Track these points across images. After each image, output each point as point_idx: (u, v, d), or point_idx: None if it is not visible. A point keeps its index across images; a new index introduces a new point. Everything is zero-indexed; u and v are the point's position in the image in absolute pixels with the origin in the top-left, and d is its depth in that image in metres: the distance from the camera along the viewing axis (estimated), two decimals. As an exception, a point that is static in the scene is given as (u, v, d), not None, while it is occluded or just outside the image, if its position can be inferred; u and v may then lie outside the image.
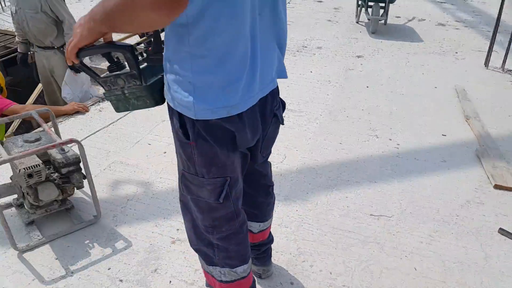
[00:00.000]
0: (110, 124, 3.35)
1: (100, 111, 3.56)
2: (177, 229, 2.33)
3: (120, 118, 3.44)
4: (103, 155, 2.97)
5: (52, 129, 2.32)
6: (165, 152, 3.03)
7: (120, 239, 2.26)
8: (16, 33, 3.69)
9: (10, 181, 2.31)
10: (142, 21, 0.95)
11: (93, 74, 1.23)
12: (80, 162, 2.16)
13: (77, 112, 3.49)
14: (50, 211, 2.29)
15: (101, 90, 4.25)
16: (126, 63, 1.22)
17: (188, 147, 1.26)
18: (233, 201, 1.39)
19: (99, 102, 3.69)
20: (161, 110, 3.59)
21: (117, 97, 1.27)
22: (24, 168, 1.95)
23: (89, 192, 2.49)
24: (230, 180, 1.33)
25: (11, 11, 3.54)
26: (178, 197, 2.54)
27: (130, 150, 3.04)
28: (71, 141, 2.01)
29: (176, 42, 1.10)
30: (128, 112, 3.43)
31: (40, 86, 5.06)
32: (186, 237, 2.27)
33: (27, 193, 2.12)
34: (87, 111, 3.53)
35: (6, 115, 3.43)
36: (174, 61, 1.13)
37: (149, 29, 1.11)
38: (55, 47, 3.57)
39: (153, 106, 1.27)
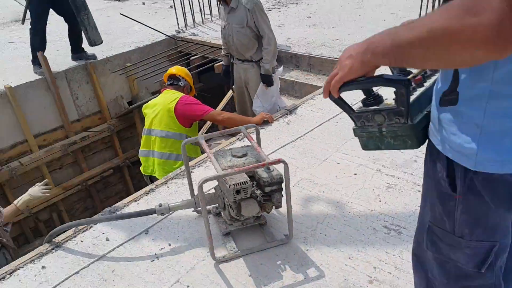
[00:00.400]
0: (298, 138, 3.30)
1: (288, 124, 3.55)
2: (374, 267, 2.09)
3: (308, 132, 3.37)
4: (292, 170, 2.89)
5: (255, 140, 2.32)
6: (355, 174, 2.82)
7: (312, 266, 2.13)
8: (222, 47, 3.97)
9: (214, 191, 2.40)
10: (458, 59, 0.76)
11: (347, 108, 1.10)
12: (282, 182, 2.10)
13: (264, 122, 3.54)
14: (245, 224, 2.31)
15: (287, 101, 4.29)
16: (382, 96, 1.07)
17: (451, 200, 1.02)
18: (496, 272, 1.09)
19: (287, 114, 3.70)
20: (348, 127, 3.40)
21: (370, 134, 1.10)
22: (233, 184, 1.97)
23: (281, 210, 2.45)
24: (498, 246, 1.04)
25: (220, 26, 3.82)
26: (373, 228, 2.32)
27: (318, 168, 2.93)
28: (279, 161, 1.96)
29: (468, 75, 0.87)
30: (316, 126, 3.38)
31: (229, 94, 5.44)
32: (386, 278, 2.05)
33: (230, 207, 2.16)
34: (272, 122, 3.56)
35: (204, 120, 3.73)
36: (459, 98, 0.90)
37: (456, 67, 0.91)
38: (253, 60, 3.72)
39: (413, 148, 1.07)
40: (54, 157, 5.49)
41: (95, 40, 5.34)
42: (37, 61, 5.25)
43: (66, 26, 5.48)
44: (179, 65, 4.53)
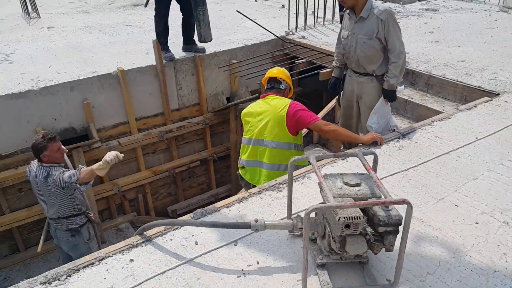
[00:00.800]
0: (410, 168, 2.95)
1: (400, 149, 3.20)
2: None
3: (422, 163, 3.00)
4: (401, 206, 2.58)
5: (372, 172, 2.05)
6: (477, 223, 2.41)
7: (419, 327, 1.82)
8: (335, 58, 3.69)
9: (315, 215, 2.18)
10: None
11: None
12: (400, 224, 1.81)
13: (372, 143, 3.24)
14: (344, 259, 2.05)
15: (396, 121, 3.91)
16: None
17: None
18: None
19: (399, 138, 3.34)
20: (471, 165, 2.96)
21: None
22: (344, 217, 1.73)
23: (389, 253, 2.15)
24: None
25: (341, 36, 3.51)
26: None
27: (432, 207, 2.56)
28: (404, 202, 1.67)
29: None
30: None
31: (330, 105, 5.17)
32: None
33: (333, 238, 1.92)
34: (381, 144, 3.24)
35: (309, 129, 3.50)
36: None
37: None
38: (374, 74, 3.39)
39: None
40: (150, 141, 5.69)
41: (206, 37, 5.40)
42: (164, 47, 5.46)
43: (180, 16, 5.62)
44: (283, 67, 4.35)
